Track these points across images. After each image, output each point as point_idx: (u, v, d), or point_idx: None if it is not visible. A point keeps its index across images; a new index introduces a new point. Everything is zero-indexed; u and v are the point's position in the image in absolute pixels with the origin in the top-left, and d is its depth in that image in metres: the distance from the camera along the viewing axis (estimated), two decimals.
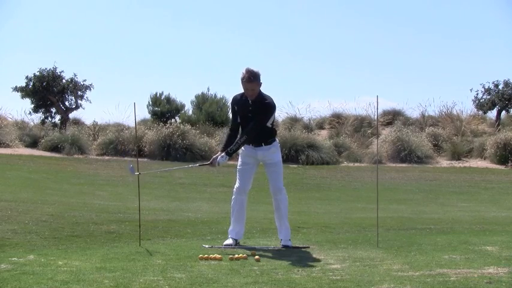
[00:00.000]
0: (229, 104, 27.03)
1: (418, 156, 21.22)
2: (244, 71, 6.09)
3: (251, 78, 6.06)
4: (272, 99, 6.23)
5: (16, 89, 24.83)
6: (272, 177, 6.31)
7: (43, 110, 25.63)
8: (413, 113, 28.49)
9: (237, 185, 6.35)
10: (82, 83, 25.64)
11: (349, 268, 4.91)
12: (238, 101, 6.27)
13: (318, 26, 46.30)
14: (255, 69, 6.11)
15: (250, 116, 6.16)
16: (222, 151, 6.16)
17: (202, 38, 45.25)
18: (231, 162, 22.08)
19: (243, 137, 6.16)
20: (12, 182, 13.66)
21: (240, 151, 6.34)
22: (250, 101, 6.16)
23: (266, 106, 6.17)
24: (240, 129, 6.30)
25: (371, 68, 44.58)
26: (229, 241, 6.23)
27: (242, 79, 6.10)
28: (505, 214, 10.75)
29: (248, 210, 6.50)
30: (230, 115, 6.13)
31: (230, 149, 6.13)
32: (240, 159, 6.42)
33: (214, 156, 6.16)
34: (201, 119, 25.45)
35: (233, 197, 6.38)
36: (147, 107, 27.44)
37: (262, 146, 6.27)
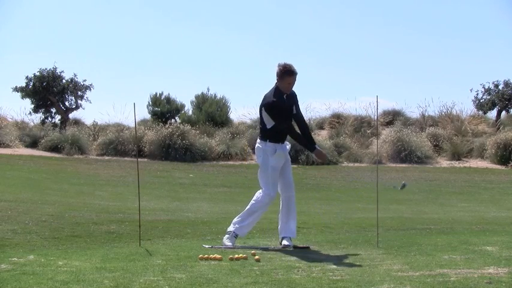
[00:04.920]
0: (230, 105, 26.96)
1: (418, 157, 21.21)
2: (285, 65, 5.98)
3: (295, 71, 6.02)
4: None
5: (16, 89, 24.82)
6: (287, 172, 6.32)
7: (43, 110, 25.61)
8: (412, 114, 28.50)
9: (271, 193, 6.10)
10: (82, 83, 25.65)
11: (349, 268, 4.91)
12: (279, 100, 6.04)
13: (317, 26, 46.34)
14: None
15: (287, 110, 6.14)
16: (312, 148, 6.27)
17: (202, 38, 45.29)
18: (230, 162, 21.79)
19: (307, 132, 6.37)
20: (12, 182, 13.66)
21: (269, 151, 6.17)
22: (284, 96, 6.11)
23: (296, 96, 6.24)
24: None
25: (371, 68, 44.61)
26: (229, 242, 6.20)
27: (284, 73, 5.98)
28: (505, 214, 10.75)
29: None
30: (266, 119, 6.08)
31: (313, 142, 6.34)
32: (270, 162, 6.14)
33: (323, 153, 6.34)
34: (201, 119, 25.44)
35: (262, 200, 6.13)
36: (147, 107, 27.43)
37: (286, 142, 6.39)
